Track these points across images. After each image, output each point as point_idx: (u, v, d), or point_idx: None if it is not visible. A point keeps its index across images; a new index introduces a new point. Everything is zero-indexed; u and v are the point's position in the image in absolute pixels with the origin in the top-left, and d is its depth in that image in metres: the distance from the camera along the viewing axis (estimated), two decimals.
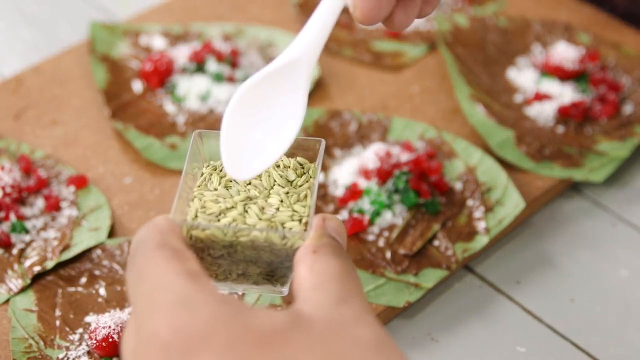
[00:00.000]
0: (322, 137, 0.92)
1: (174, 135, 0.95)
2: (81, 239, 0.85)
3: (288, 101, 0.60)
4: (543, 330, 0.82)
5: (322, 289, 0.54)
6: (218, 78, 0.98)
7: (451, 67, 1.00)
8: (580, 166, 0.93)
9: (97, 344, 0.75)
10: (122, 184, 0.91)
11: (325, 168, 0.91)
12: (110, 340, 0.75)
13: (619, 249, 0.88)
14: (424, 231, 0.86)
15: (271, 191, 0.62)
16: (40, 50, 1.08)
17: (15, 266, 0.83)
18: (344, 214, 0.87)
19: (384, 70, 1.03)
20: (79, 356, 0.77)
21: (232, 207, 0.61)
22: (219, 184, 0.63)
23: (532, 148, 0.94)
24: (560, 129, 0.96)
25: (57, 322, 0.79)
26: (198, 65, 0.99)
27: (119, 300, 0.81)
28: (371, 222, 0.86)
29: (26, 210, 0.87)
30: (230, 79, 0.99)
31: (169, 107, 0.98)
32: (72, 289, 0.82)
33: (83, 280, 0.82)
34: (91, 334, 0.76)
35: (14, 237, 0.85)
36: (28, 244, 0.85)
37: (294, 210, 0.61)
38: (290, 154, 0.64)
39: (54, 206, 0.87)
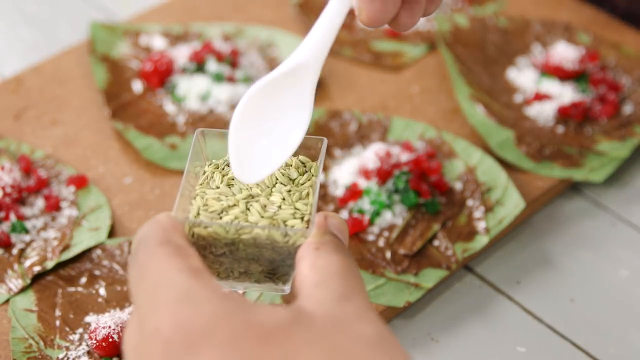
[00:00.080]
0: (322, 136, 0.92)
1: (174, 135, 0.95)
2: (81, 239, 0.85)
3: (295, 104, 0.61)
4: (543, 330, 0.82)
5: (324, 286, 0.54)
6: (218, 78, 0.98)
7: (451, 67, 1.00)
8: (580, 166, 0.93)
9: (97, 344, 0.75)
10: (122, 184, 0.91)
11: (325, 168, 0.91)
12: (110, 340, 0.75)
13: (619, 249, 0.88)
14: (424, 231, 0.86)
15: (273, 189, 0.62)
16: (40, 50, 1.08)
17: (15, 266, 0.83)
18: (344, 214, 0.87)
19: (384, 70, 1.03)
20: (79, 356, 0.77)
21: (234, 204, 0.61)
22: (221, 182, 0.63)
23: (532, 148, 0.94)
24: (560, 129, 0.96)
25: (57, 322, 0.79)
26: (198, 65, 0.99)
27: (119, 300, 0.81)
28: (371, 222, 0.86)
29: (26, 210, 0.87)
30: (230, 79, 0.99)
31: (169, 107, 0.98)
32: (72, 289, 0.82)
33: (83, 280, 0.82)
34: (91, 334, 0.76)
35: (14, 237, 0.85)
36: (28, 244, 0.85)
37: (296, 208, 0.61)
38: None
39: (54, 206, 0.87)
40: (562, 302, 0.84)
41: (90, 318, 0.79)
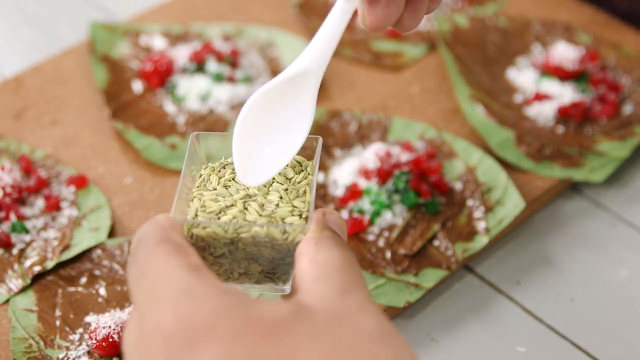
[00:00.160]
0: (323, 137, 0.92)
1: (174, 135, 0.95)
2: (81, 239, 0.85)
3: (297, 110, 0.62)
4: (543, 330, 0.82)
5: (324, 280, 0.54)
6: (218, 78, 0.98)
7: (451, 67, 1.00)
8: (580, 166, 0.93)
9: (97, 344, 0.76)
10: (122, 184, 0.91)
11: (325, 168, 0.91)
12: (110, 340, 0.75)
13: (619, 249, 0.88)
14: (424, 231, 0.86)
15: (270, 189, 0.62)
16: (40, 50, 1.08)
17: (16, 266, 0.83)
18: (344, 214, 0.87)
19: (384, 70, 1.03)
20: (79, 356, 0.77)
21: (232, 205, 0.61)
22: (218, 183, 0.63)
23: (532, 148, 0.94)
24: (560, 129, 0.96)
25: (57, 322, 0.79)
26: (198, 65, 0.99)
27: (119, 300, 0.81)
28: (371, 222, 0.86)
29: (26, 210, 0.87)
30: (230, 79, 0.99)
31: (169, 107, 0.98)
32: (72, 289, 0.82)
33: (83, 280, 0.82)
34: (91, 334, 0.76)
35: (14, 237, 0.85)
36: (28, 244, 0.85)
37: (293, 206, 0.61)
38: None
39: (54, 206, 0.87)
40: (562, 302, 0.84)
41: (90, 318, 0.79)
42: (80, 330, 0.78)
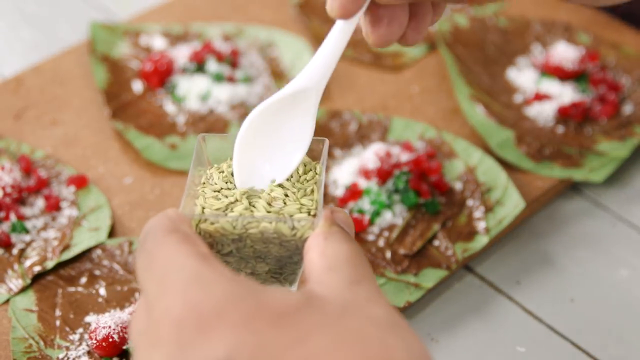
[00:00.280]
0: (322, 137, 0.92)
1: (174, 135, 0.95)
2: (81, 239, 0.85)
3: (296, 126, 0.63)
4: (543, 330, 0.82)
5: (334, 272, 0.55)
6: (218, 78, 0.98)
7: (451, 67, 1.00)
8: (580, 166, 0.93)
9: (97, 344, 0.76)
10: (122, 184, 0.91)
11: (326, 168, 0.91)
12: (110, 340, 0.75)
13: (618, 249, 0.88)
14: (424, 231, 0.86)
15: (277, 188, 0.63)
16: (40, 50, 1.08)
17: (16, 266, 0.83)
18: None
19: (384, 70, 1.03)
20: (79, 356, 0.77)
21: (237, 200, 0.61)
22: (224, 181, 0.63)
23: (532, 148, 0.94)
24: (560, 129, 0.96)
25: (57, 322, 0.79)
26: (198, 65, 0.99)
27: (119, 300, 0.81)
28: (371, 222, 0.86)
29: (26, 210, 0.87)
30: (230, 79, 0.99)
31: (169, 107, 0.98)
32: (72, 289, 0.82)
33: (83, 280, 0.82)
34: (91, 334, 0.76)
35: (14, 237, 0.85)
36: (28, 244, 0.85)
37: (301, 204, 0.61)
38: None
39: (54, 206, 0.87)
40: (562, 302, 0.84)
41: (90, 318, 0.79)
42: (80, 330, 0.78)
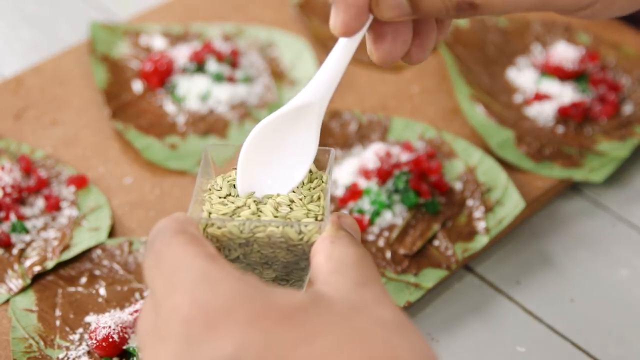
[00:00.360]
0: (322, 137, 0.92)
1: (174, 135, 0.95)
2: (81, 239, 0.85)
3: (300, 141, 0.63)
4: (543, 330, 0.82)
5: (341, 273, 0.55)
6: (218, 78, 0.98)
7: (451, 68, 1.00)
8: (580, 166, 0.93)
9: (97, 344, 0.76)
10: (122, 184, 0.91)
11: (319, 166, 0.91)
12: (110, 340, 0.75)
13: (618, 249, 0.88)
14: (424, 231, 0.86)
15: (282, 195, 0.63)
16: (40, 50, 1.08)
17: (16, 266, 0.83)
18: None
19: (384, 70, 1.03)
20: (79, 356, 0.77)
21: (244, 205, 0.61)
22: (230, 187, 0.63)
23: (532, 148, 0.94)
24: (560, 129, 0.96)
25: (57, 322, 0.79)
26: (198, 65, 0.99)
27: (119, 300, 0.81)
28: (371, 222, 0.86)
29: (26, 210, 0.87)
30: (230, 79, 0.99)
31: (169, 107, 0.98)
32: (72, 289, 0.82)
33: (83, 280, 0.82)
34: (91, 334, 0.76)
35: (14, 237, 0.85)
36: (28, 244, 0.85)
37: (308, 210, 0.61)
38: None
39: (54, 206, 0.87)
40: (562, 302, 0.84)
41: (90, 318, 0.79)
42: (80, 330, 0.78)
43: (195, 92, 0.98)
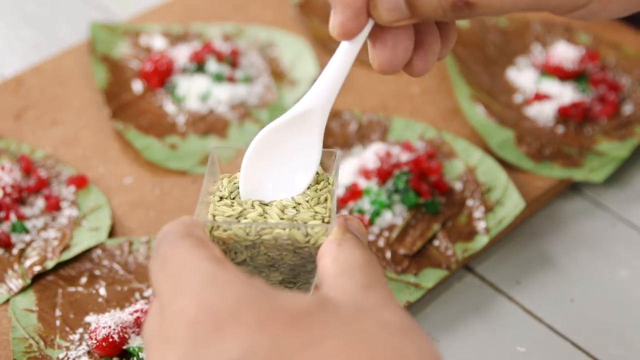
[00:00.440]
0: (323, 137, 0.92)
1: (174, 135, 0.95)
2: (81, 239, 0.85)
3: (303, 148, 0.63)
4: (543, 330, 0.82)
5: (347, 276, 0.55)
6: (218, 78, 0.98)
7: (451, 67, 1.00)
8: (580, 166, 0.93)
9: (97, 344, 0.76)
10: (122, 184, 0.91)
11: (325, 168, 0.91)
12: (111, 340, 0.75)
13: (618, 249, 0.88)
14: (424, 231, 0.86)
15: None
16: (40, 50, 1.08)
17: (16, 266, 0.83)
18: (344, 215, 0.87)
19: None
20: (79, 356, 0.77)
21: (250, 208, 0.61)
22: (236, 189, 0.63)
23: (532, 148, 0.94)
24: (560, 129, 0.96)
25: (57, 322, 0.79)
26: (198, 65, 0.99)
27: (119, 300, 0.81)
28: (371, 222, 0.86)
29: (26, 210, 0.87)
30: (230, 79, 0.99)
31: (169, 107, 0.98)
32: (72, 289, 0.82)
33: (83, 280, 0.82)
34: (91, 334, 0.76)
35: (14, 237, 0.85)
36: (28, 244, 0.85)
37: (315, 212, 0.61)
38: None
39: (54, 206, 0.87)
40: (562, 302, 0.84)
41: (90, 318, 0.79)
42: (80, 330, 0.79)
43: (195, 92, 0.98)
